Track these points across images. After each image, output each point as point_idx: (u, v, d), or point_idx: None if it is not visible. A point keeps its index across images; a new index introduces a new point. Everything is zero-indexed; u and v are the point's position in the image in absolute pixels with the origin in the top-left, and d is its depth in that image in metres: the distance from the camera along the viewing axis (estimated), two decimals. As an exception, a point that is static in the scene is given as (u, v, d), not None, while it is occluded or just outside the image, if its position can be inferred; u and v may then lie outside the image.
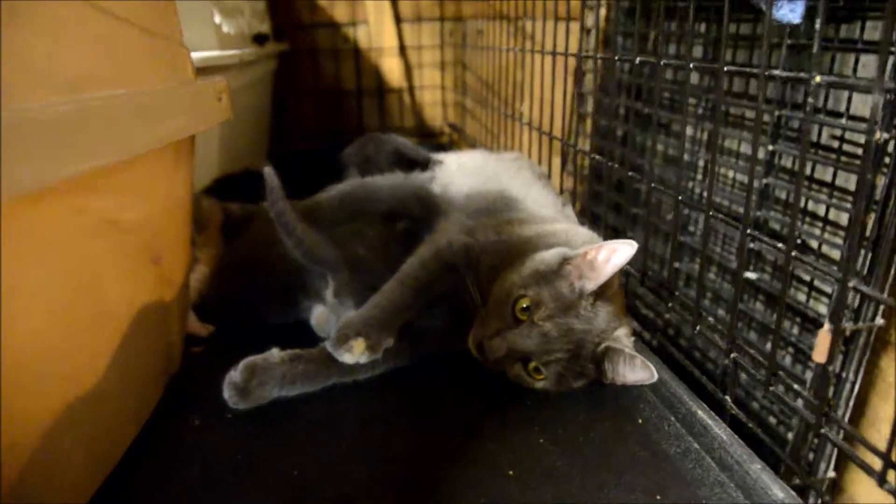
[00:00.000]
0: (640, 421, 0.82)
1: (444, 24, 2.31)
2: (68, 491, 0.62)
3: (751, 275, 1.39)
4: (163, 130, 0.64)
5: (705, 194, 1.47)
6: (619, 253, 0.82)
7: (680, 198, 0.96)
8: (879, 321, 1.07)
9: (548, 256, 0.88)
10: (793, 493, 0.63)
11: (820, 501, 0.93)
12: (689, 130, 1.89)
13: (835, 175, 1.29)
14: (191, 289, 1.06)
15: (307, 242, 0.95)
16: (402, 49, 2.30)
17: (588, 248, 0.85)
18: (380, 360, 0.88)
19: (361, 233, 1.06)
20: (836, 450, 1.07)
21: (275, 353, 0.85)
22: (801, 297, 1.29)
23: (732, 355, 0.90)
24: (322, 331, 0.98)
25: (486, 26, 2.08)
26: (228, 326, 1.03)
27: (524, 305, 0.83)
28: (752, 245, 1.30)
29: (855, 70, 1.25)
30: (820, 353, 1.15)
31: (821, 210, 1.33)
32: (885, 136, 0.95)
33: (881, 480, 0.66)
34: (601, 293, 0.85)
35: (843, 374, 1.26)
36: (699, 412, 0.77)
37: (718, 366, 1.26)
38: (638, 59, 1.08)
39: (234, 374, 0.82)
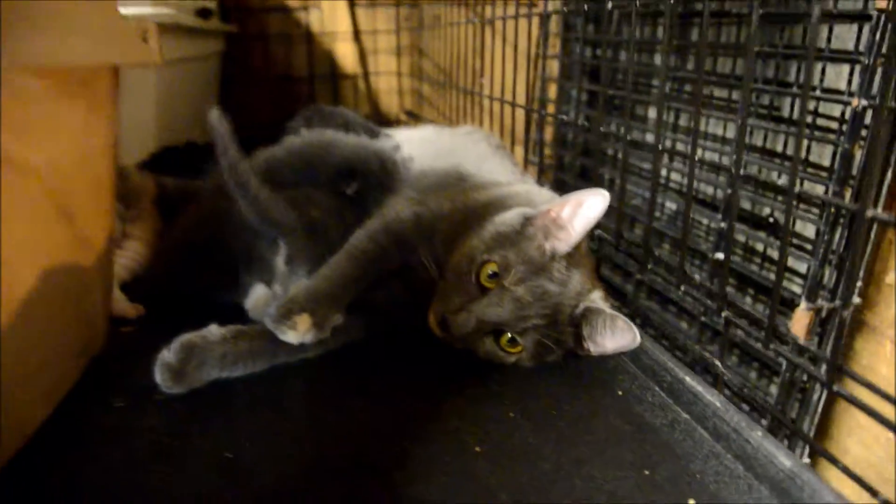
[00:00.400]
0: (619, 393, 0.74)
1: (399, 10, 2.23)
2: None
3: (720, 255, 1.34)
4: (59, 46, 0.54)
5: (673, 176, 1.41)
6: (587, 206, 0.75)
7: (660, 146, 0.89)
8: (856, 300, 1.02)
9: (508, 217, 0.81)
10: (801, 460, 0.55)
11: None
12: (654, 113, 1.85)
13: (809, 149, 1.24)
14: (122, 266, 0.96)
15: (263, 199, 0.85)
16: (357, 34, 2.20)
17: (551, 205, 0.78)
18: (330, 337, 0.78)
19: (313, 196, 0.96)
20: (812, 430, 1.02)
21: (214, 330, 0.74)
22: (773, 276, 1.24)
23: (724, 313, 0.84)
24: (259, 314, 0.87)
25: (443, 11, 2.02)
26: (163, 307, 0.92)
27: (490, 272, 0.75)
28: (723, 225, 1.24)
29: (829, 41, 1.20)
30: (798, 331, 1.10)
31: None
32: (864, 103, 0.91)
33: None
34: (570, 256, 0.77)
35: (821, 355, 1.22)
36: (687, 379, 0.69)
37: (688, 353, 1.20)
38: (611, 4, 1.01)
39: (168, 355, 0.70)
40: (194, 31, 1.52)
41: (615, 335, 0.74)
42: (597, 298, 0.78)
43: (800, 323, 1.09)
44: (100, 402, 0.71)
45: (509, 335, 0.75)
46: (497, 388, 0.75)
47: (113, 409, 0.69)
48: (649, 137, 1.80)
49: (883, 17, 0.83)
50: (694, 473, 0.59)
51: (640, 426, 0.67)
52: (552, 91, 2.07)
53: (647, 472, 0.59)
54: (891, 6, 0.76)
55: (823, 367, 1.09)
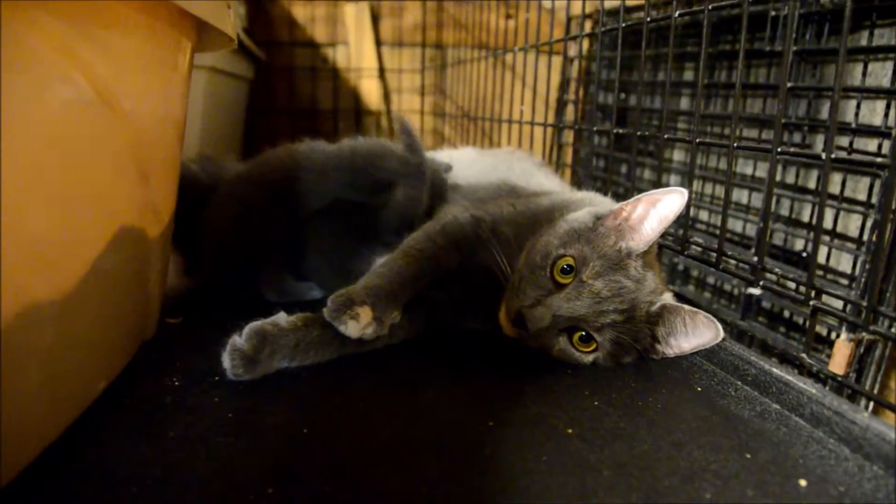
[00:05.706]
0: (699, 389, 0.72)
1: (425, 51, 2.27)
2: (24, 432, 0.48)
3: (754, 290, 1.33)
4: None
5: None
6: (663, 204, 0.74)
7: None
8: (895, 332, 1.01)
9: (580, 216, 0.81)
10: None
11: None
12: (677, 155, 1.87)
13: (843, 185, 1.26)
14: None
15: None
16: (382, 72, 2.24)
17: (623, 204, 0.77)
18: (387, 335, 0.77)
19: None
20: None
21: (283, 318, 0.72)
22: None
23: (762, 282, 0.84)
24: None
25: (467, 55, 2.06)
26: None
27: (565, 266, 0.74)
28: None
29: (864, 78, 1.23)
30: (838, 364, 1.08)
31: (828, 223, 1.29)
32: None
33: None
34: (644, 255, 0.76)
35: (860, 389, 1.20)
36: (774, 370, 0.67)
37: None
38: (649, 20, 1.03)
39: (240, 341, 0.68)
40: (238, 45, 1.54)
41: (696, 332, 0.73)
42: (670, 298, 0.76)
43: (840, 354, 1.07)
44: (155, 381, 0.68)
45: (583, 332, 0.73)
46: (573, 380, 0.73)
47: (170, 388, 0.67)
48: (674, 179, 1.82)
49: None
50: (796, 458, 0.57)
51: (727, 416, 0.65)
52: (569, 135, 2.11)
53: (748, 456, 0.57)
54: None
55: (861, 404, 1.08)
